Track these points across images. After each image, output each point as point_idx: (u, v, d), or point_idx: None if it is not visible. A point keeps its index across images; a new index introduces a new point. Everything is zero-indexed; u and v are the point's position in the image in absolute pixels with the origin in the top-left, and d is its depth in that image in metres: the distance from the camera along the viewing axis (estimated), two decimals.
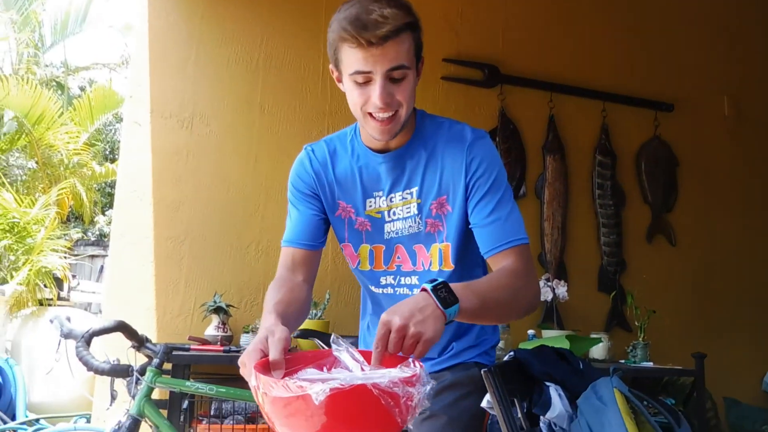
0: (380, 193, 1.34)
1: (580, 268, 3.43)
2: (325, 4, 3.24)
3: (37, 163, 8.08)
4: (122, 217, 2.88)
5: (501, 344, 2.81)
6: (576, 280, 3.37)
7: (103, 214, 10.95)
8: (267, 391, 0.86)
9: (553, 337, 2.82)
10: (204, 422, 2.29)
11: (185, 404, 2.23)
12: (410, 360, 0.95)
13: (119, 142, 3.53)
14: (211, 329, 2.61)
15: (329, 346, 2.23)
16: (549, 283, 3.11)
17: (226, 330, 2.62)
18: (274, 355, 0.95)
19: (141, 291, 2.80)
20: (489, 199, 1.26)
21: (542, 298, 3.11)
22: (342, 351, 1.01)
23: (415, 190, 1.32)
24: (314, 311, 2.70)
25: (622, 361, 3.09)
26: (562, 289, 3.08)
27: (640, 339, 3.08)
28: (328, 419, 0.83)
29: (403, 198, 1.33)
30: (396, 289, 1.39)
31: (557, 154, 3.45)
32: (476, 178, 1.27)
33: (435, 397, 1.28)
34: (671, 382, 3.25)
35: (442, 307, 0.98)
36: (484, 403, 1.53)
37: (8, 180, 7.44)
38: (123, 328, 1.94)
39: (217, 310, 2.62)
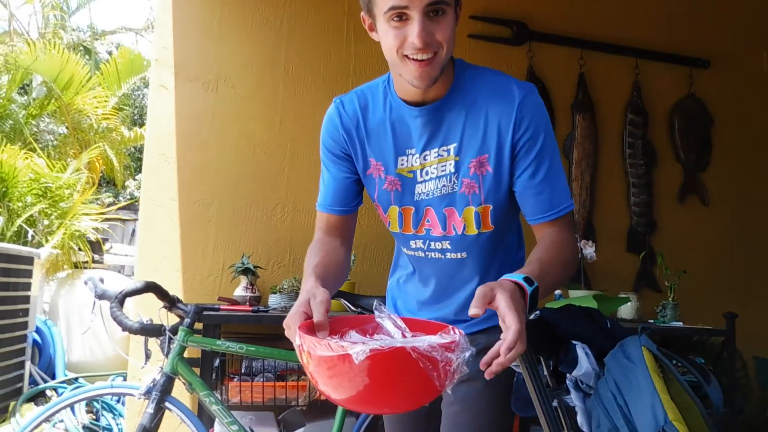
0: (413, 151, 1.25)
1: (608, 229, 3.39)
2: None
3: (67, 128, 8.19)
4: (151, 181, 2.92)
5: None
6: (604, 240, 3.33)
7: (134, 178, 11.12)
8: (311, 350, 0.89)
9: (581, 297, 2.80)
10: (235, 380, 2.34)
11: (217, 362, 2.29)
12: (450, 327, 0.98)
13: (147, 107, 3.55)
14: (240, 290, 2.65)
15: (356, 306, 2.27)
16: (577, 244, 3.08)
17: (254, 290, 2.66)
18: (317, 316, 0.98)
19: (171, 253, 2.85)
20: (538, 164, 1.19)
21: None
22: (384, 318, 1.02)
23: (453, 146, 1.22)
24: None
25: (651, 321, 3.07)
26: (590, 250, 3.04)
27: (670, 299, 3.05)
28: (369, 380, 0.86)
29: (438, 155, 1.24)
30: (426, 253, 1.33)
31: (587, 113, 3.38)
32: (526, 139, 1.19)
33: (475, 359, 1.25)
34: (701, 342, 3.22)
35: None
36: None
37: (39, 145, 7.57)
38: (154, 289, 1.99)
39: (245, 271, 2.65)
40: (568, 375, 1.52)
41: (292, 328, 0.98)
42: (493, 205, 1.25)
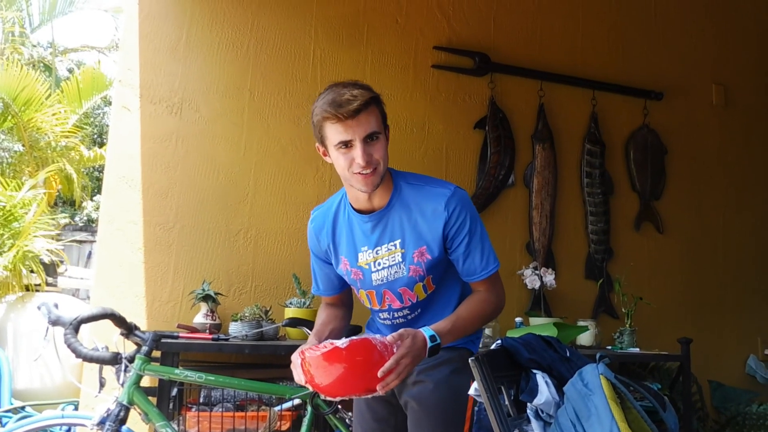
0: (366, 248, 1.62)
1: (567, 256, 3.45)
2: None
3: (23, 145, 7.98)
4: (111, 203, 2.86)
5: (488, 332, 2.84)
6: (564, 268, 3.40)
7: (92, 199, 10.86)
8: (311, 354, 1.35)
9: (541, 325, 2.84)
10: (193, 409, 2.29)
11: (174, 392, 2.24)
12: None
13: (108, 126, 3.49)
14: (200, 317, 2.60)
15: None
16: (537, 272, 3.13)
17: (214, 318, 2.61)
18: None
19: (129, 278, 2.79)
20: (465, 241, 1.56)
21: (530, 287, 3.13)
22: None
23: (398, 241, 1.58)
24: (303, 300, 2.70)
25: (609, 347, 3.12)
26: (549, 277, 3.10)
27: (627, 325, 3.12)
28: (352, 362, 1.33)
29: (388, 249, 1.60)
30: (393, 321, 1.69)
31: (546, 143, 3.46)
32: (455, 229, 1.55)
33: (433, 369, 1.60)
34: (658, 367, 3.29)
35: (427, 355, 1.43)
36: (471, 391, 1.54)
37: None
38: (111, 316, 1.94)
39: (206, 297, 2.61)
40: (528, 404, 1.54)
41: (294, 361, 1.43)
42: (433, 275, 1.62)
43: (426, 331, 1.45)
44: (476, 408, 1.58)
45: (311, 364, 1.36)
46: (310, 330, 2.18)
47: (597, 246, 3.49)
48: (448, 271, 1.64)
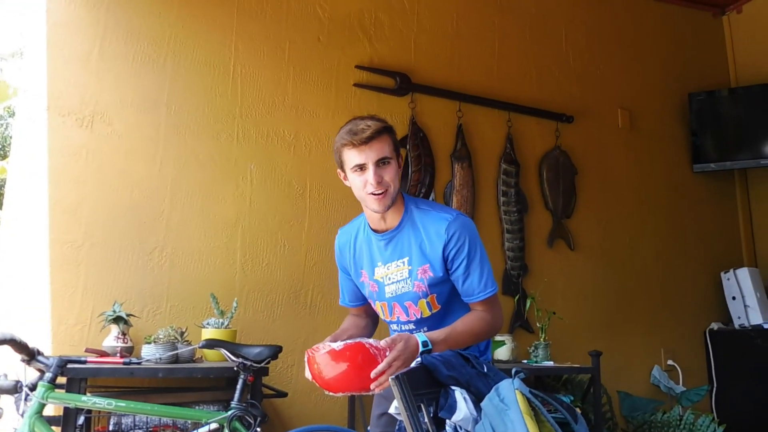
0: (380, 264, 1.85)
1: None
2: (237, 4, 3.19)
3: None
4: (13, 219, 2.69)
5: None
6: None
7: None
8: (312, 353, 1.57)
9: None
10: None
11: (81, 420, 2.11)
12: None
13: (11, 137, 3.29)
14: (110, 340, 2.47)
15: (237, 356, 2.26)
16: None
17: (126, 341, 2.49)
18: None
19: (33, 299, 2.62)
20: (464, 264, 1.76)
21: None
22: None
23: (406, 259, 1.81)
24: (221, 320, 2.63)
25: (525, 361, 3.22)
26: None
27: (542, 339, 3.22)
28: (346, 362, 1.53)
29: (397, 265, 1.82)
30: (401, 333, 1.81)
31: (465, 162, 3.55)
32: (455, 251, 1.75)
33: None
34: (570, 380, 3.42)
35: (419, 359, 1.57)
36: (391, 410, 1.55)
37: None
38: (11, 341, 1.82)
39: (117, 319, 2.48)
40: (447, 420, 1.56)
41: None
42: (437, 294, 1.82)
43: (420, 337, 1.64)
44: (396, 428, 1.59)
45: (316, 361, 1.56)
46: (228, 351, 2.13)
47: (513, 263, 3.61)
48: (455, 297, 1.84)
